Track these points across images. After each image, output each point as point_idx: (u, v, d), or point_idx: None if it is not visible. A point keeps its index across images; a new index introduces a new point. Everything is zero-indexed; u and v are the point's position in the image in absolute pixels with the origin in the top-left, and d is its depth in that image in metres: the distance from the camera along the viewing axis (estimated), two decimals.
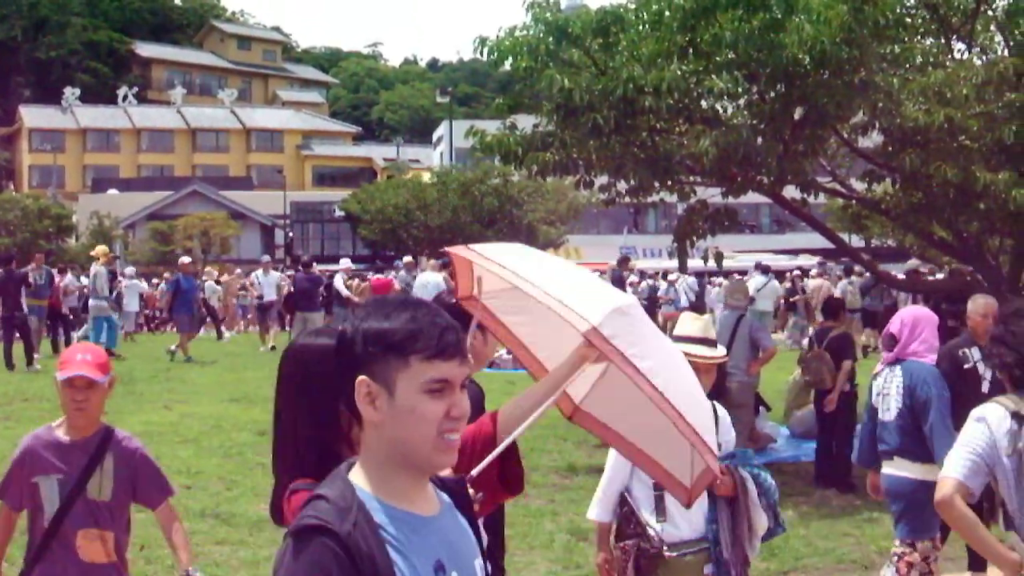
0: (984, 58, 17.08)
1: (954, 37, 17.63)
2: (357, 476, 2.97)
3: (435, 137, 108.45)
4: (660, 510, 6.68)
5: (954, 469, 5.86)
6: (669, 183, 17.05)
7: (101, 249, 34.78)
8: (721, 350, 7.18)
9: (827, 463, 15.43)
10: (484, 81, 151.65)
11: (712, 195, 17.78)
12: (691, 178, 17.14)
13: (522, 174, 19.07)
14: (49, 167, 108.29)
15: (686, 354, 5.09)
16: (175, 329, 34.43)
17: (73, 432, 6.28)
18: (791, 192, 17.73)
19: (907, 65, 16.44)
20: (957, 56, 17.51)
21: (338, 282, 31.72)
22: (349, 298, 30.59)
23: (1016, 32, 17.00)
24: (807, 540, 12.61)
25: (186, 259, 35.21)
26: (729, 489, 6.59)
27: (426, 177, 66.72)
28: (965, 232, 17.68)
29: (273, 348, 33.03)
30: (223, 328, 41.29)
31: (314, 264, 34.53)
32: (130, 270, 37.59)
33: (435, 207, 58.69)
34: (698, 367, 5.98)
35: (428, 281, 31.31)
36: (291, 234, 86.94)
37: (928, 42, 17.80)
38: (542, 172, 16.42)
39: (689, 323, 7.17)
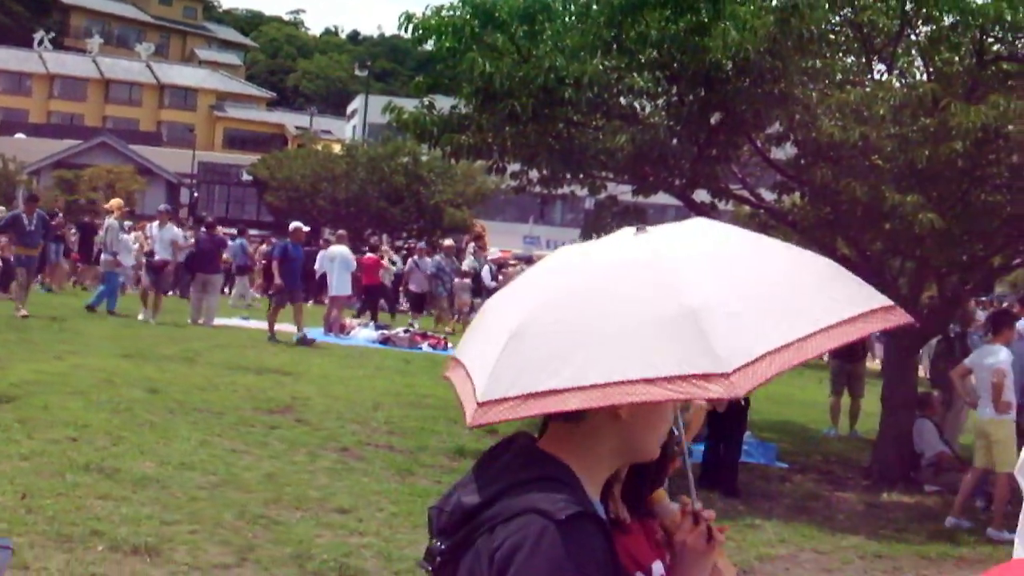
0: (903, 81, 17.24)
1: (875, 58, 17.77)
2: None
3: (349, 110, 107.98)
4: None
5: None
6: (581, 176, 17.10)
7: (116, 202, 33.22)
8: None
9: (714, 465, 15.51)
10: (403, 58, 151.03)
11: (623, 192, 17.85)
12: (603, 173, 17.14)
13: (435, 154, 19.07)
14: None
15: None
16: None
17: None
18: (701, 196, 17.82)
19: (827, 81, 16.54)
20: (877, 76, 17.66)
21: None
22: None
23: (936, 59, 17.18)
24: None
25: (299, 225, 30.64)
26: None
27: (336, 149, 66.28)
28: (869, 251, 17.84)
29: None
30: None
31: (218, 226, 33.78)
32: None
33: (343, 180, 58.37)
34: None
35: (336, 254, 31.25)
36: (196, 194, 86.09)
37: (849, 60, 17.94)
38: (456, 154, 16.42)
39: None
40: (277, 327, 28.15)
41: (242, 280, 42.10)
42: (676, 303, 2.61)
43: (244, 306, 39.20)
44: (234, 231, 43.57)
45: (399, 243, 55.08)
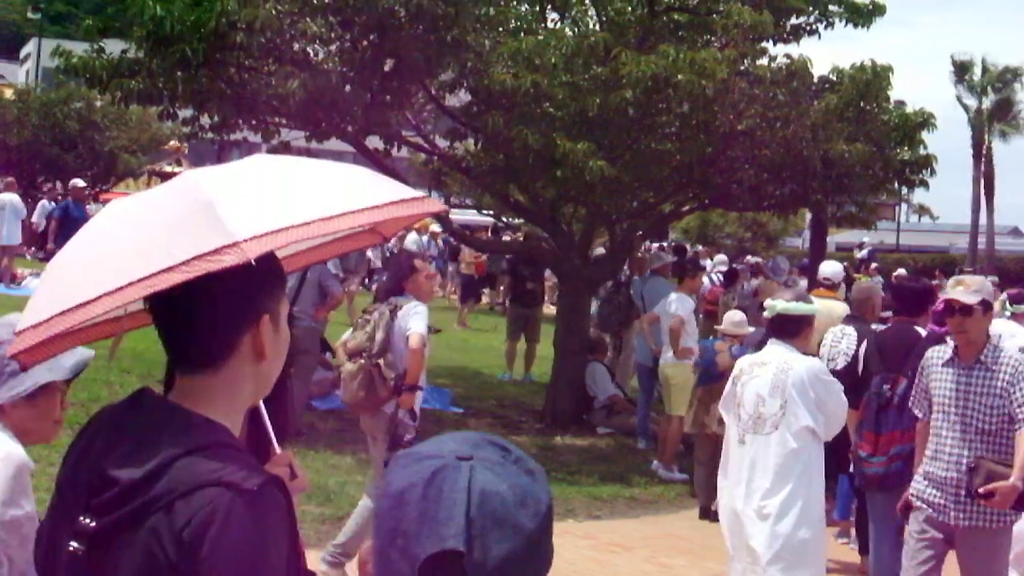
0: (576, 30, 17.46)
1: (549, 6, 17.98)
2: None
3: (23, 54, 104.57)
4: None
5: None
6: (254, 122, 16.82)
7: None
8: None
9: None
10: (78, 1, 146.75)
11: (296, 138, 17.62)
12: (276, 119, 16.89)
13: (106, 100, 18.50)
14: None
15: None
16: None
17: None
18: (375, 142, 17.74)
19: (500, 28, 16.66)
20: (550, 25, 17.85)
21: None
22: None
23: (609, 8, 17.48)
24: (363, 487, 12.56)
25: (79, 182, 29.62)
26: None
27: (8, 94, 64.03)
28: (541, 197, 18.06)
29: None
30: None
31: None
32: None
33: (14, 126, 56.46)
34: None
35: (5, 202, 30.05)
36: None
37: (523, 8, 18.11)
38: (126, 99, 15.94)
39: None
40: None
41: None
42: (193, 199, 2.69)
43: None
44: None
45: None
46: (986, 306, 7.73)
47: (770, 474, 8.30)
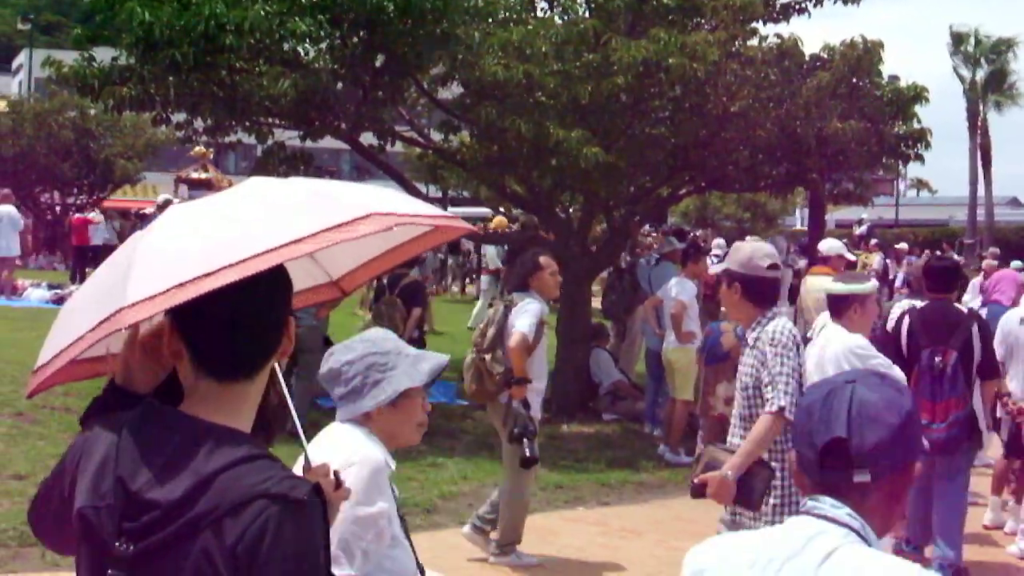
0: (565, 18, 17.44)
1: None
2: None
3: (14, 65, 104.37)
4: None
5: None
6: (247, 124, 16.82)
7: None
8: None
9: None
10: (68, 10, 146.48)
11: (290, 138, 17.61)
12: (269, 120, 16.89)
13: (99, 107, 18.50)
14: None
15: None
16: None
17: None
18: (369, 139, 17.73)
19: (489, 19, 16.62)
20: (540, 14, 17.82)
21: None
22: None
23: None
24: None
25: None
26: None
27: (2, 106, 64.01)
28: (538, 187, 18.05)
29: None
30: None
31: None
32: None
33: (9, 137, 56.43)
34: None
35: (1, 214, 30.03)
36: None
37: None
38: (118, 106, 15.93)
39: None
40: None
41: None
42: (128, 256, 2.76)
43: None
44: None
45: (70, 200, 53.63)
46: None
47: None
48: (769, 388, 6.82)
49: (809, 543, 2.93)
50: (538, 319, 10.32)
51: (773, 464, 6.79)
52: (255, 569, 2.46)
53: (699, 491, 6.82)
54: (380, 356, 4.73)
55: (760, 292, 7.09)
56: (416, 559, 4.77)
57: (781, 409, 6.70)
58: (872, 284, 9.08)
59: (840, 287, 8.88)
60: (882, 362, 8.64)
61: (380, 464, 4.59)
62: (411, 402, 4.78)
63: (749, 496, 6.77)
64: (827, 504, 2.99)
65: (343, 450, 4.56)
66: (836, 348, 8.54)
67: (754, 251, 7.22)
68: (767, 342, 6.91)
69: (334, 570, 3.75)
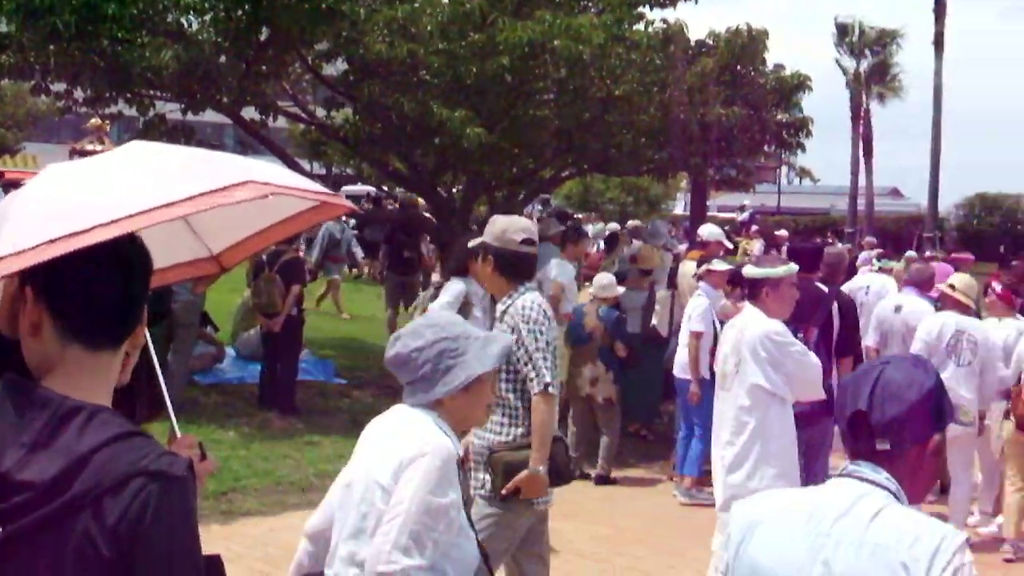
0: None
1: None
2: None
3: None
4: None
5: None
6: (128, 95, 16.56)
7: None
8: None
9: (271, 385, 15.39)
10: None
11: (172, 110, 17.38)
12: (151, 91, 16.63)
13: None
14: None
15: None
16: None
17: None
18: (251, 113, 17.56)
19: None
20: None
21: None
22: None
23: None
24: (247, 461, 12.68)
25: None
26: None
27: None
28: (420, 165, 17.99)
29: None
30: None
31: None
32: None
33: None
34: None
35: None
36: None
37: None
38: None
39: None
40: None
41: None
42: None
43: None
44: None
45: None
46: None
47: (728, 427, 8.87)
48: (530, 367, 6.87)
49: (857, 503, 3.38)
50: (457, 299, 10.39)
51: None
52: (137, 547, 2.44)
53: (515, 496, 6.84)
54: (451, 342, 4.76)
55: (513, 266, 7.10)
56: (479, 545, 4.83)
57: (547, 386, 6.81)
58: (785, 268, 9.15)
59: (752, 271, 9.14)
60: (799, 348, 8.88)
61: (451, 454, 4.63)
62: (482, 386, 4.86)
63: (560, 473, 7.00)
64: (867, 468, 3.47)
65: (415, 439, 4.63)
66: (753, 332, 8.73)
67: (509, 224, 7.22)
68: (519, 318, 6.93)
69: (406, 560, 4.39)
